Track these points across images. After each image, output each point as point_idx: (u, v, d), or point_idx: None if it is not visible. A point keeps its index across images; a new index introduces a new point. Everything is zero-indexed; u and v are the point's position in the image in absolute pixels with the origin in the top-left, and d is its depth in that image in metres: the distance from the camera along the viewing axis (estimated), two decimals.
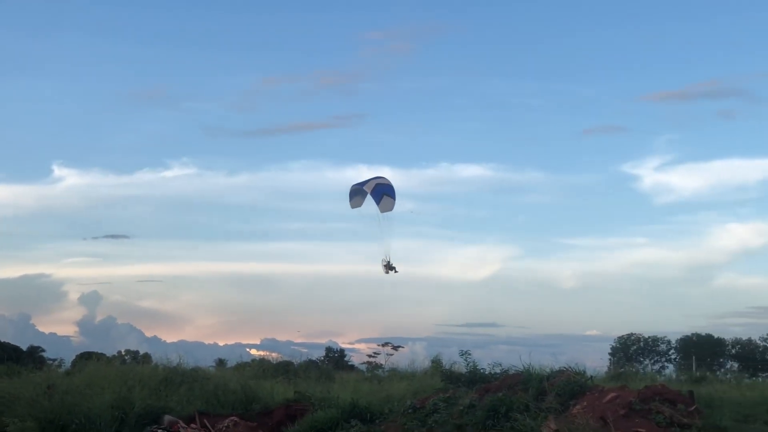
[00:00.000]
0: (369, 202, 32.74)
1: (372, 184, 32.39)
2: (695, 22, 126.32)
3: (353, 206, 33.29)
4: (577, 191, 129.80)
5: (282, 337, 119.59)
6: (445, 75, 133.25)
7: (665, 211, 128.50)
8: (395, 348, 65.96)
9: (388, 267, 33.96)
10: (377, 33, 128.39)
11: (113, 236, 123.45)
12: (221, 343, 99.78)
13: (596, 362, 67.61)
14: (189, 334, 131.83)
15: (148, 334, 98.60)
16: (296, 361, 54.55)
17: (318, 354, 74.15)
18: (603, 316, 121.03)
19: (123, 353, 67.05)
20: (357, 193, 33.17)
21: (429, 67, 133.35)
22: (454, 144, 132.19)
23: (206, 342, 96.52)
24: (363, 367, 63.07)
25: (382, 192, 32.14)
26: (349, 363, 72.80)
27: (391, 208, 32.04)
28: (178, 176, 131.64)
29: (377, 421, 28.50)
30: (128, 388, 32.35)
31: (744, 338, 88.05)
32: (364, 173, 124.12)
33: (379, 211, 32.23)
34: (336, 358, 75.47)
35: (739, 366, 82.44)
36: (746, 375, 68.63)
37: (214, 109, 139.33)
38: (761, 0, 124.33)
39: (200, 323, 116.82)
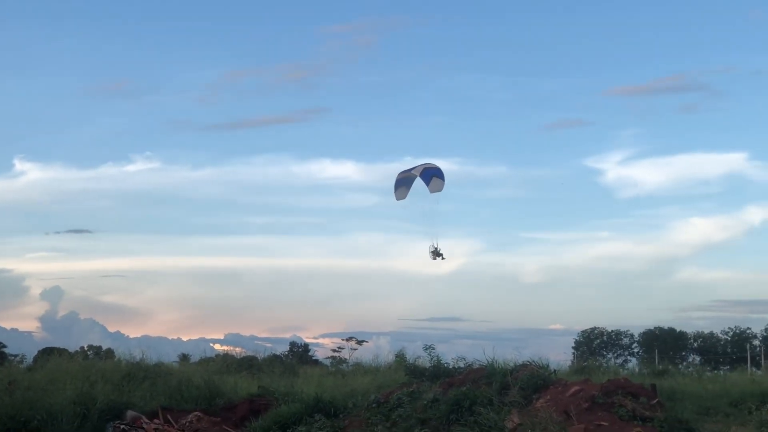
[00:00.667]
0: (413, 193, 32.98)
1: (420, 168, 32.36)
2: (659, 18, 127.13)
3: (398, 198, 33.09)
4: (541, 185, 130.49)
5: (246, 332, 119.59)
6: (409, 69, 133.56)
7: (628, 204, 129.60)
8: (359, 342, 65.91)
9: (436, 254, 33.48)
10: (341, 27, 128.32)
11: (76, 231, 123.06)
12: (185, 338, 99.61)
13: (560, 356, 67.80)
14: (152, 329, 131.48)
15: (111, 329, 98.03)
16: (260, 355, 54.49)
17: (282, 349, 74.22)
18: (567, 310, 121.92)
19: (85, 348, 66.43)
20: (403, 182, 32.95)
21: (393, 61, 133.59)
22: (418, 138, 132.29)
23: (170, 337, 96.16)
24: (327, 362, 63.06)
25: (431, 174, 32.09)
26: (314, 357, 72.84)
27: (440, 189, 31.93)
28: (141, 170, 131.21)
29: (341, 415, 28.51)
30: (90, 384, 32.11)
31: (706, 332, 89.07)
32: (327, 168, 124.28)
33: (429, 192, 32.26)
34: (300, 352, 75.41)
35: (701, 359, 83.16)
36: (708, 368, 69.20)
37: (177, 102, 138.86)
38: None
39: (163, 318, 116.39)
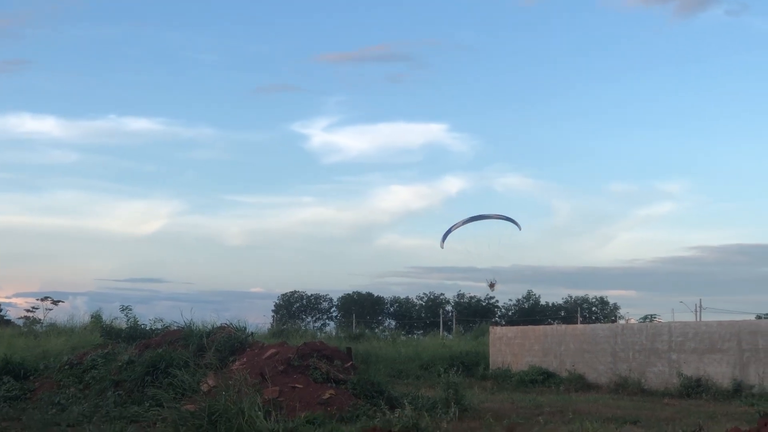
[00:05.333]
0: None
1: (494, 215, 36.04)
2: None
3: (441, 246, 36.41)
4: (247, 148, 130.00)
5: None
6: (117, 24, 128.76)
7: (332, 171, 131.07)
8: (55, 302, 63.60)
9: (492, 286, 37.74)
10: None
11: None
12: None
13: (260, 319, 68.45)
14: None
15: None
16: None
17: None
18: (268, 274, 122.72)
19: None
20: (447, 234, 35.95)
21: (100, 15, 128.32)
22: (123, 96, 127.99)
23: None
24: (20, 322, 60.73)
25: (505, 217, 35.91)
26: (6, 318, 69.91)
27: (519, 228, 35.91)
28: None
29: (31, 377, 27.61)
30: None
31: (402, 297, 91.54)
32: (27, 122, 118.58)
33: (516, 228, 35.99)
34: None
35: (396, 324, 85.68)
36: (403, 332, 71.58)
37: None
38: None
39: None
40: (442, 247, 36.00)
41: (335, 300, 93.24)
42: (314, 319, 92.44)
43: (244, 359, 24.86)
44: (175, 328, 29.10)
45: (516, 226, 35.34)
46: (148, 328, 31.29)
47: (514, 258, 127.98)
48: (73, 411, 21.83)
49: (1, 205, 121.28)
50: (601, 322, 69.82)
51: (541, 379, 35.13)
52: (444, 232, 36.04)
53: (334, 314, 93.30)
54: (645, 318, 58.54)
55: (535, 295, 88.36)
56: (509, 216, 35.51)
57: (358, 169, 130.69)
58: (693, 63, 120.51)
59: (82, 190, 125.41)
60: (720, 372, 30.44)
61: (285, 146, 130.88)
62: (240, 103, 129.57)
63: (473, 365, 39.23)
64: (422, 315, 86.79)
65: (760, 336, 29.97)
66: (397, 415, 17.52)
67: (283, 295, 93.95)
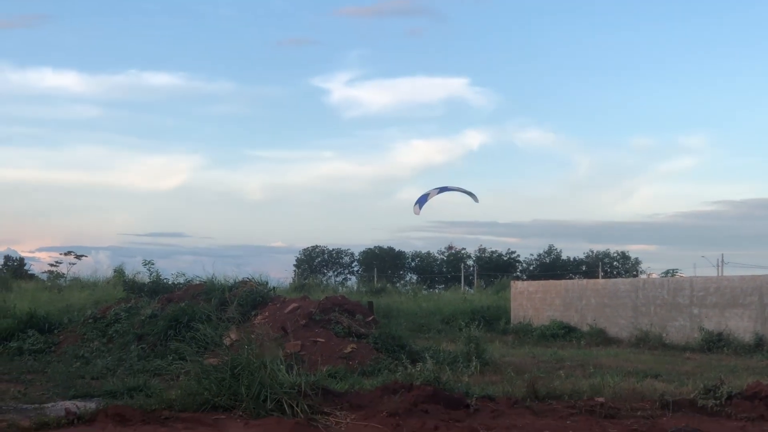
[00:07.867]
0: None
1: (456, 188, 39.62)
2: None
3: (415, 212, 39.22)
4: (267, 103, 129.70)
5: None
6: None
7: (353, 125, 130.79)
8: (78, 257, 64.12)
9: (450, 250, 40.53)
10: None
11: None
12: None
13: (281, 273, 68.90)
14: None
15: None
16: None
17: None
18: (289, 228, 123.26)
19: None
20: (422, 200, 39.07)
21: None
22: (144, 50, 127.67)
23: None
24: (44, 276, 61.19)
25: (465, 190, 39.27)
26: (30, 272, 70.46)
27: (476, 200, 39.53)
28: None
29: (56, 330, 27.82)
30: None
31: (423, 251, 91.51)
32: (48, 77, 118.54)
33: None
34: (15, 266, 72.80)
35: (418, 278, 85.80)
36: (424, 287, 71.72)
37: None
38: None
39: None
40: (418, 214, 38.09)
41: (356, 254, 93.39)
42: (336, 273, 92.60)
43: (266, 313, 24.97)
44: (198, 282, 29.25)
45: (473, 199, 37.85)
46: (170, 283, 31.46)
47: (535, 213, 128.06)
48: (97, 364, 21.98)
49: (24, 160, 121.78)
50: (622, 277, 69.70)
51: (562, 333, 35.18)
52: (418, 198, 38.14)
53: (356, 269, 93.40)
54: (666, 273, 58.45)
55: (556, 249, 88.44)
56: (469, 190, 38.86)
57: (378, 124, 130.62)
58: (714, 14, 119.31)
59: (104, 144, 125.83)
60: (741, 326, 30.39)
61: (305, 100, 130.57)
62: (260, 58, 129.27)
63: (494, 319, 39.33)
64: (443, 269, 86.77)
65: None
66: (418, 369, 17.54)
67: (304, 249, 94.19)
